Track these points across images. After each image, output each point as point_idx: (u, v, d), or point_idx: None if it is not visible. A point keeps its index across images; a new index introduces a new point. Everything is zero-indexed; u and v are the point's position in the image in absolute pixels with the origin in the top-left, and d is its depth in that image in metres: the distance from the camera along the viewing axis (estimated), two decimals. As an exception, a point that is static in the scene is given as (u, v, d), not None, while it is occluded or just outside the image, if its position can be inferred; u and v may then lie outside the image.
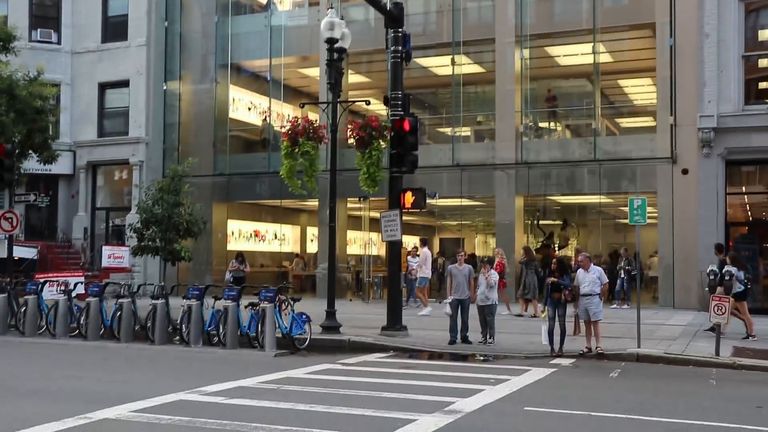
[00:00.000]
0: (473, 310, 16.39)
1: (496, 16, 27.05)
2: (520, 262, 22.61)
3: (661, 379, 12.81)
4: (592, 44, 25.71)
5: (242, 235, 32.40)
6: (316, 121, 19.74)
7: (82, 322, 18.08)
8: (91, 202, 32.21)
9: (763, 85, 23.97)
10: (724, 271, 16.26)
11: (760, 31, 23.85)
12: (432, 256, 25.46)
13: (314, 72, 30.01)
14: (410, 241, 32.05)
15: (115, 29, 32.17)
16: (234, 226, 31.90)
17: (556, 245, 29.32)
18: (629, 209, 16.02)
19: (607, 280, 15.95)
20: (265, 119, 31.13)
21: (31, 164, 25.48)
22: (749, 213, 24.24)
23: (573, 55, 27.98)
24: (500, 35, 26.91)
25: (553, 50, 28.35)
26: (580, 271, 15.48)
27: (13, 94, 23.07)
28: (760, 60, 23.86)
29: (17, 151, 23.46)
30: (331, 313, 17.62)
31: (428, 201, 19.78)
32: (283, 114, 29.68)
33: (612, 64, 27.88)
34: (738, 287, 16.61)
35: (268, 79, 30.38)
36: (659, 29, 24.79)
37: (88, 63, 32.15)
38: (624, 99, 31.58)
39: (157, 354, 15.77)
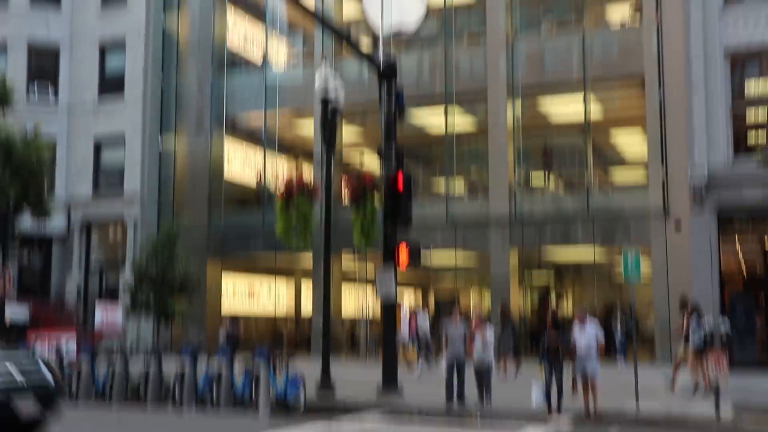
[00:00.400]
0: (470, 369, 16.26)
1: (488, 70, 27.36)
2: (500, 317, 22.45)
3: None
4: (583, 97, 26.00)
5: (236, 291, 32.25)
6: (310, 180, 19.83)
7: (73, 386, 17.87)
8: (84, 260, 32.06)
9: (752, 138, 24.15)
10: (721, 328, 16.26)
11: (746, 85, 24.15)
12: (429, 314, 25.42)
13: (309, 125, 30.22)
14: (405, 297, 32.02)
15: (111, 84, 32.48)
16: (228, 281, 31.78)
17: (553, 300, 29.28)
18: (623, 264, 16.04)
19: (603, 338, 15.80)
20: (259, 173, 31.24)
21: (26, 225, 25.44)
22: (744, 267, 24.22)
23: (565, 108, 28.21)
24: (492, 89, 27.20)
25: (544, 103, 28.63)
26: (577, 326, 15.38)
27: (10, 152, 23.18)
28: (747, 113, 24.09)
29: (12, 208, 23.48)
30: (325, 373, 17.48)
31: (423, 253, 19.75)
32: (278, 168, 29.80)
33: (603, 117, 28.13)
34: (699, 340, 16.72)
35: (263, 133, 30.57)
36: (648, 82, 25.09)
37: (84, 117, 32.36)
38: (616, 152, 31.78)
39: (149, 419, 15.58)
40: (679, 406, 15.46)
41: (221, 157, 31.44)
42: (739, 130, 23.70)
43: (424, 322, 24.11)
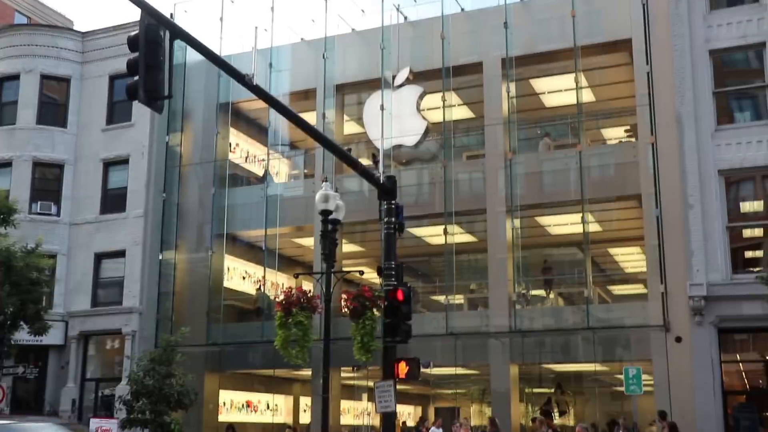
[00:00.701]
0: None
1: (487, 188, 27.78)
2: None
3: None
4: (581, 214, 26.26)
5: (234, 405, 31.81)
6: (310, 291, 19.95)
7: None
8: (81, 373, 31.77)
9: (748, 254, 24.44)
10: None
11: (741, 203, 24.61)
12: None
13: (309, 241, 30.47)
14: (405, 411, 31.61)
15: (113, 201, 32.89)
16: (226, 396, 31.38)
17: (556, 413, 28.91)
18: (624, 379, 15.98)
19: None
20: (259, 288, 31.31)
21: (22, 335, 25.37)
22: (746, 381, 24.05)
23: (563, 224, 28.58)
24: (491, 206, 27.55)
25: (543, 220, 29.00)
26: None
27: (10, 266, 23.34)
28: (743, 230, 24.46)
29: (9, 322, 23.46)
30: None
31: (422, 370, 19.66)
32: (278, 283, 29.89)
33: (601, 233, 28.44)
34: None
35: (263, 248, 30.77)
36: (645, 200, 25.42)
37: (85, 234, 32.65)
38: (615, 267, 31.97)
39: None
40: None
41: (221, 271, 31.55)
42: (736, 246, 23.99)
43: None
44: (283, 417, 33.92)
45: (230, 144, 33.07)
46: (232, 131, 33.20)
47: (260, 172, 33.01)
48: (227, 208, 31.55)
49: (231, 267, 32.36)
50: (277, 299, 19.83)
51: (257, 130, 33.70)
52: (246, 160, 34.04)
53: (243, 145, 34.16)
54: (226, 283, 31.87)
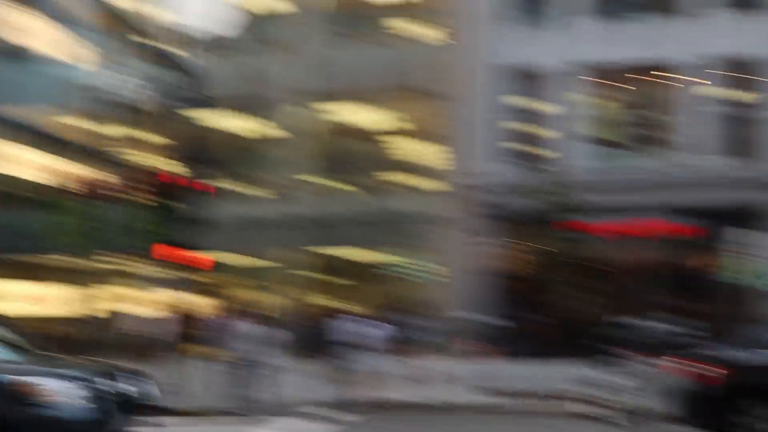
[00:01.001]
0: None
1: (288, 79, 28.01)
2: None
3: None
4: (374, 107, 27.04)
5: (12, 296, 30.36)
6: (90, 179, 19.31)
7: None
8: None
9: (524, 148, 25.94)
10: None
11: (519, 100, 25.93)
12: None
13: (94, 125, 29.09)
14: (197, 302, 31.48)
15: None
16: (2, 286, 29.90)
17: (337, 300, 29.95)
18: (407, 266, 16.83)
19: (380, 333, 16.53)
20: (40, 174, 29.64)
21: None
22: (516, 267, 25.86)
23: (358, 116, 29.20)
24: (290, 96, 28.03)
25: (340, 112, 29.55)
26: (341, 322, 16.05)
27: None
28: (517, 126, 25.90)
29: None
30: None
31: (206, 258, 19.72)
32: (60, 169, 28.47)
33: (388, 126, 29.36)
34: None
35: (45, 131, 29.03)
36: (434, 95, 26.46)
37: None
38: (403, 159, 33.05)
39: None
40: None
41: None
42: (508, 141, 25.46)
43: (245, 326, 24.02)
44: (59, 307, 32.78)
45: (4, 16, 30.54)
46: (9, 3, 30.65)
47: (42, 49, 30.81)
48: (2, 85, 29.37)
49: (6, 150, 30.34)
50: (57, 185, 18.99)
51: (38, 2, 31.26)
52: (23, 34, 31.54)
53: (21, 18, 31.58)
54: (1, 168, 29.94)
